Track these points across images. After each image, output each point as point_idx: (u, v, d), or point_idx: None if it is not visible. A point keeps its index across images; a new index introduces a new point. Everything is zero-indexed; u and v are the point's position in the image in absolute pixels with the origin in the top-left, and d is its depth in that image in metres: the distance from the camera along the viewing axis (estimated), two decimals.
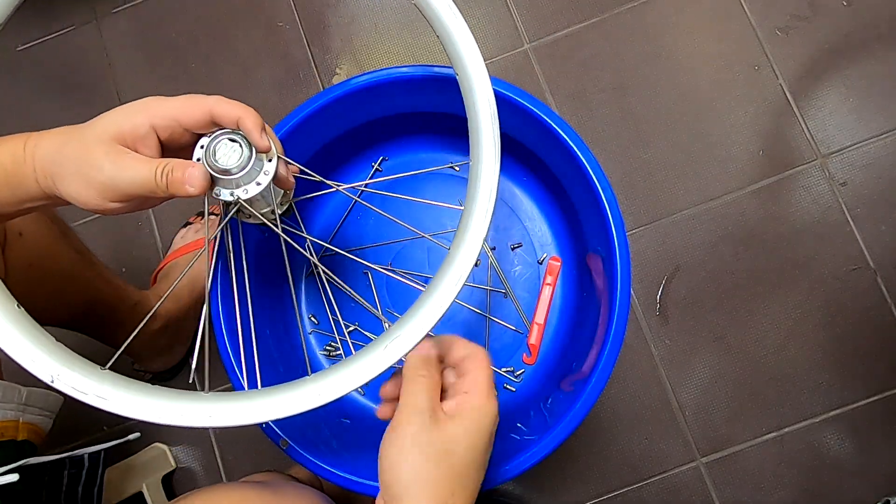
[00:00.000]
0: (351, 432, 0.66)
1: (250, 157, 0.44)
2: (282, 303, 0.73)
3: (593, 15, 1.04)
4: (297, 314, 0.73)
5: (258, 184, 0.45)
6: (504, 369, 0.71)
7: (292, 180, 0.50)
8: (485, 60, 1.03)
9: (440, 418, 0.41)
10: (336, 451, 0.60)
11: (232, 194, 0.45)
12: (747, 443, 0.94)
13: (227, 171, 0.44)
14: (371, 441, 0.68)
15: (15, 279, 0.62)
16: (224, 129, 0.45)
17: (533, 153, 0.70)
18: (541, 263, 0.73)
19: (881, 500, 0.90)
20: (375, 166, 0.76)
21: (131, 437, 0.86)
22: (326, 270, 0.58)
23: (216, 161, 0.44)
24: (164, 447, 0.95)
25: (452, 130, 0.73)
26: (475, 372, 0.43)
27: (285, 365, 0.68)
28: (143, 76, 1.10)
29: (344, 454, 0.60)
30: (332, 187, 0.53)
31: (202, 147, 0.45)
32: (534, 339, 0.71)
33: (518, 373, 0.71)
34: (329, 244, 0.63)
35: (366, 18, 1.08)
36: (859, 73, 1.00)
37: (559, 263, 0.72)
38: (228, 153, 0.44)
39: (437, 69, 0.62)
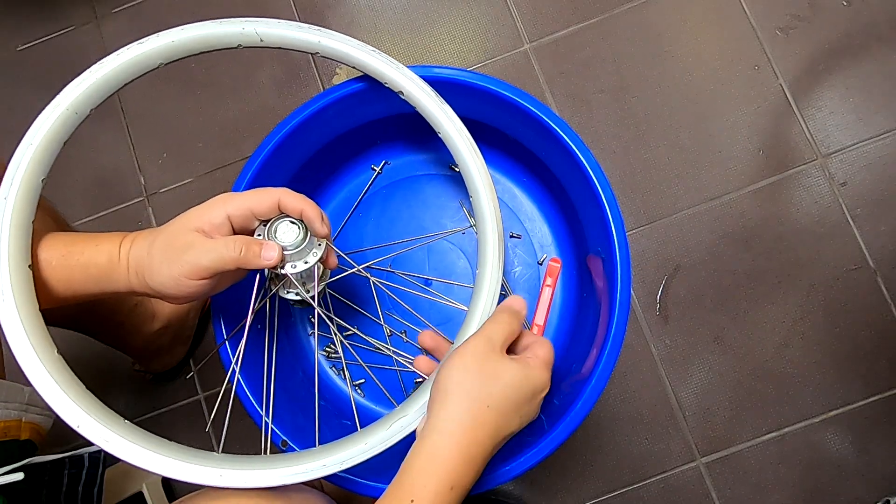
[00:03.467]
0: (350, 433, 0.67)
1: (305, 239, 0.51)
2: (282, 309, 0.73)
3: (593, 15, 1.04)
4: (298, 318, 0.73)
5: (306, 262, 0.52)
6: None
7: (334, 261, 0.56)
8: (485, 60, 1.04)
9: (503, 353, 0.48)
10: None
11: (283, 267, 0.52)
12: (747, 443, 0.94)
13: (283, 248, 0.51)
14: None
15: None
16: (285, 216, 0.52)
17: (533, 153, 0.70)
18: (541, 264, 0.73)
19: (881, 500, 0.90)
20: (377, 170, 0.76)
21: None
22: (347, 345, 0.58)
23: (276, 238, 0.51)
24: None
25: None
26: (537, 348, 0.50)
27: (289, 366, 0.68)
28: (144, 77, 1.10)
29: None
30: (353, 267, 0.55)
31: (263, 227, 0.52)
32: None
33: None
34: (345, 255, 0.63)
35: (366, 18, 1.08)
36: (859, 73, 1.00)
37: (559, 265, 0.72)
38: (288, 232, 0.51)
39: (436, 70, 0.62)
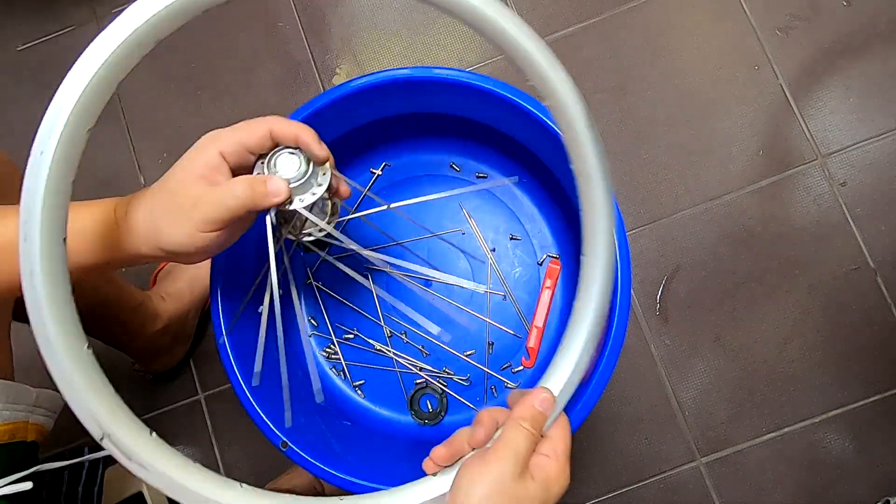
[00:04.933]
0: (352, 435, 0.67)
1: (308, 169, 0.48)
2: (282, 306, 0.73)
3: (593, 15, 1.04)
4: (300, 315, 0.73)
5: (313, 193, 0.48)
6: (503, 366, 0.71)
7: (345, 189, 0.53)
8: (485, 60, 1.04)
9: (526, 472, 0.42)
10: (337, 453, 0.60)
11: (290, 203, 0.48)
12: (747, 443, 0.94)
13: (287, 182, 0.47)
14: (370, 444, 0.68)
15: None
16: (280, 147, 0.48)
17: (533, 154, 0.70)
18: (540, 265, 0.73)
19: (881, 500, 0.90)
20: (377, 172, 0.76)
21: None
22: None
23: (276, 172, 0.47)
24: None
25: (452, 131, 0.73)
26: (557, 440, 0.45)
27: (289, 367, 0.68)
28: (143, 76, 1.10)
29: (346, 456, 0.60)
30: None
31: (262, 163, 0.48)
32: (533, 342, 0.71)
33: (516, 369, 0.71)
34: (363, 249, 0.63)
35: (366, 18, 1.08)
36: (859, 73, 1.00)
37: (559, 267, 0.72)
38: (288, 164, 0.47)
39: (436, 71, 0.62)
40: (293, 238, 0.54)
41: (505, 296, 0.72)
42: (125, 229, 0.46)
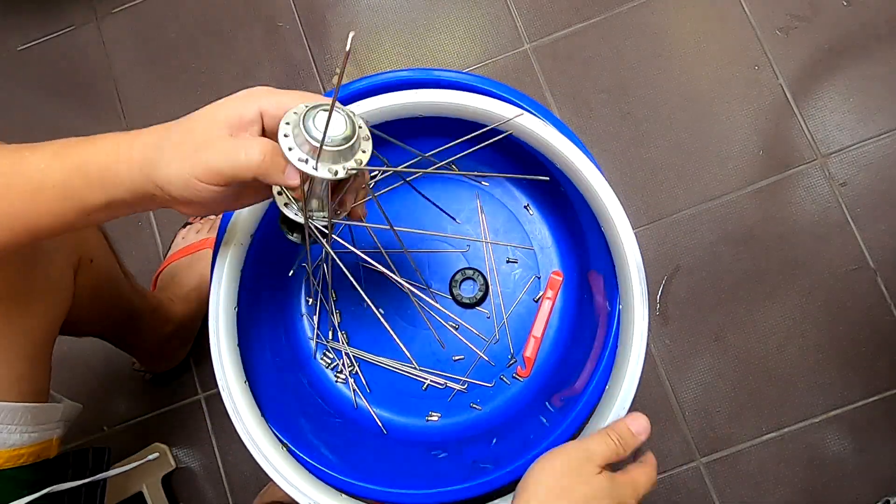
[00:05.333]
0: (352, 436, 0.67)
1: (354, 134, 0.42)
2: (282, 306, 0.73)
3: (593, 15, 1.04)
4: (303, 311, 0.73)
5: (364, 151, 0.43)
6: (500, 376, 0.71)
7: (360, 207, 0.52)
8: (485, 60, 1.04)
9: (598, 467, 0.47)
10: (340, 455, 0.60)
11: (340, 170, 0.41)
12: (747, 443, 0.94)
13: (317, 146, 0.40)
14: (374, 447, 0.68)
15: (80, 303, 0.62)
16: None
17: (533, 157, 0.70)
18: (539, 278, 0.73)
19: (881, 500, 0.90)
20: (378, 172, 0.75)
21: (151, 457, 0.86)
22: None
23: (312, 128, 0.40)
24: (165, 447, 0.95)
25: (451, 132, 0.73)
26: (632, 470, 0.50)
27: (289, 371, 0.68)
28: (143, 76, 1.10)
29: (347, 458, 0.60)
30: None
31: (295, 117, 0.41)
32: (530, 352, 0.70)
33: (516, 373, 0.71)
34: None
35: (366, 18, 1.08)
36: (859, 73, 1.00)
37: (561, 278, 0.72)
38: (332, 123, 0.40)
39: (436, 72, 0.62)
40: (298, 217, 0.47)
41: (503, 322, 0.72)
42: (126, 157, 0.43)
